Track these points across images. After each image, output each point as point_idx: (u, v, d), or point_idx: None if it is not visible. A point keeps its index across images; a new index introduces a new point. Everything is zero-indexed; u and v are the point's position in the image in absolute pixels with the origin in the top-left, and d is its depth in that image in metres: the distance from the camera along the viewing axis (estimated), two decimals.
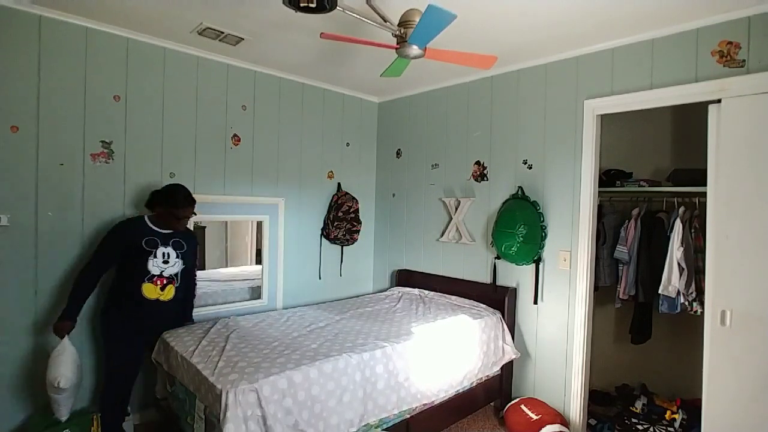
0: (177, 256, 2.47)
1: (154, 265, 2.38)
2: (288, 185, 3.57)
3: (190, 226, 3.08)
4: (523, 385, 3.10)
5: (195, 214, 2.57)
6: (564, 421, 2.73)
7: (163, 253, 2.41)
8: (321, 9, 1.86)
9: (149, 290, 2.38)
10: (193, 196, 2.54)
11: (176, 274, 2.47)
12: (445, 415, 2.72)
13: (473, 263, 3.41)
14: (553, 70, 2.93)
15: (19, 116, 2.39)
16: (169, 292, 2.45)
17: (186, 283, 2.62)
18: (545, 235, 2.94)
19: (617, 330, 3.52)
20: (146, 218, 2.47)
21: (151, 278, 2.38)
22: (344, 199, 3.83)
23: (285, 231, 3.56)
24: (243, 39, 2.75)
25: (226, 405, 1.81)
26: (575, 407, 2.80)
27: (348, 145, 4.00)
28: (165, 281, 2.42)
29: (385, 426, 2.32)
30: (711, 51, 2.28)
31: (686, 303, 2.76)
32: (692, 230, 2.81)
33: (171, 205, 2.43)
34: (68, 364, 2.22)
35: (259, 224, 3.46)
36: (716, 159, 2.26)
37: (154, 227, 2.44)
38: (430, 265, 3.73)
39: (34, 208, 2.45)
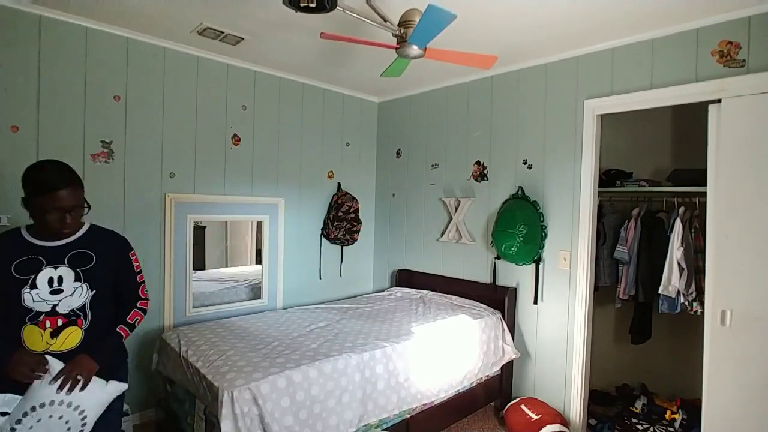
0: (77, 278, 1.56)
1: (36, 299, 1.50)
2: (288, 185, 3.57)
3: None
4: (523, 385, 3.10)
5: (88, 207, 1.60)
6: (564, 421, 2.73)
7: (50, 279, 1.52)
8: (321, 9, 1.87)
9: (32, 338, 1.51)
10: (75, 175, 1.58)
11: (83, 307, 1.58)
12: (445, 415, 2.73)
13: (473, 263, 3.41)
14: (553, 70, 2.93)
15: (19, 116, 2.39)
16: (72, 338, 1.55)
17: (118, 309, 1.73)
18: (545, 235, 2.94)
19: (617, 330, 3.52)
20: (23, 229, 1.61)
21: (35, 318, 1.51)
22: (344, 199, 3.83)
23: (285, 231, 3.56)
24: (243, 39, 2.75)
25: (223, 404, 1.81)
26: (575, 407, 2.79)
27: (348, 145, 4.00)
28: (61, 321, 1.54)
29: (385, 426, 2.32)
30: (711, 51, 2.27)
31: (686, 303, 2.76)
32: (692, 230, 2.81)
33: (33, 192, 1.52)
34: None
35: (259, 224, 3.46)
36: (716, 159, 2.26)
37: (33, 239, 1.57)
38: (430, 265, 3.73)
39: None
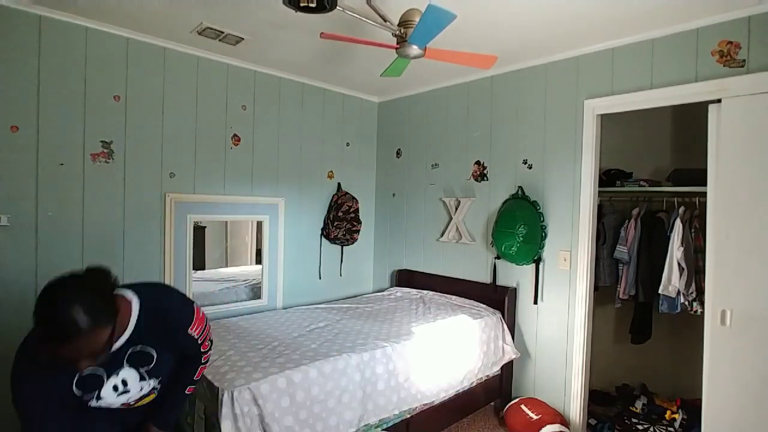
0: (142, 377, 1.41)
1: (104, 404, 1.38)
2: (288, 185, 3.57)
3: (184, 223, 3.03)
4: (523, 385, 3.10)
5: (103, 353, 1.19)
6: (564, 421, 2.73)
7: (115, 386, 1.37)
8: (321, 9, 1.87)
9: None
10: (83, 319, 1.09)
11: (151, 391, 1.48)
12: (445, 415, 2.72)
13: (473, 263, 3.41)
14: (553, 70, 2.93)
15: (19, 116, 2.39)
16: (146, 399, 1.50)
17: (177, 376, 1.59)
18: (545, 235, 2.94)
19: (617, 330, 3.51)
20: None
21: (107, 414, 1.45)
22: (344, 199, 3.83)
23: (285, 231, 3.56)
24: (243, 39, 2.75)
25: (223, 404, 1.81)
26: (575, 407, 2.79)
27: (348, 145, 4.00)
28: (134, 402, 1.46)
29: (385, 426, 2.32)
30: (711, 51, 2.27)
31: (686, 303, 2.76)
32: (692, 230, 2.81)
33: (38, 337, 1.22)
34: None
35: (259, 224, 3.46)
36: (716, 159, 2.26)
37: None
38: (430, 265, 3.73)
39: (34, 208, 2.45)
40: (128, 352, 1.35)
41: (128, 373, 1.37)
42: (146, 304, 1.36)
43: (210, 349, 1.62)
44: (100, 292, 1.20)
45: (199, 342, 1.53)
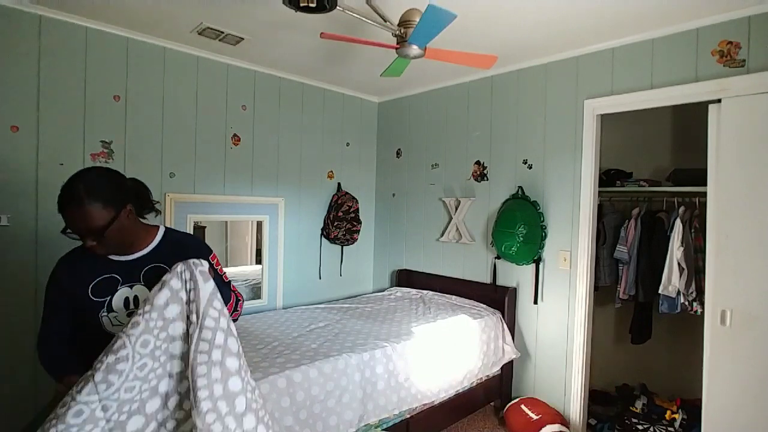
0: None
1: (115, 323, 1.37)
2: (288, 185, 3.57)
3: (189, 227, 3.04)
4: (523, 385, 3.10)
5: (101, 234, 1.32)
6: (564, 421, 2.73)
7: (126, 300, 1.38)
8: (321, 9, 1.87)
9: None
10: (103, 191, 1.34)
11: None
12: (445, 415, 2.73)
13: (473, 263, 3.41)
14: (553, 70, 2.93)
15: (19, 116, 2.39)
16: None
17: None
18: (545, 235, 2.94)
19: (617, 330, 3.51)
20: None
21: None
22: (344, 199, 3.83)
23: (285, 231, 3.56)
24: (243, 39, 2.75)
25: None
26: (575, 407, 2.79)
27: (348, 145, 4.00)
28: None
29: (385, 426, 2.32)
30: (711, 51, 2.28)
31: (686, 303, 2.76)
32: (692, 230, 2.81)
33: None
34: None
35: (259, 224, 3.46)
36: (716, 159, 2.26)
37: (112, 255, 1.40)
38: (430, 265, 3.73)
39: (34, 208, 2.45)
40: (146, 269, 1.42)
41: (141, 292, 1.40)
42: (169, 235, 1.51)
43: (241, 300, 1.54)
44: (113, 183, 1.38)
45: (225, 281, 1.50)
